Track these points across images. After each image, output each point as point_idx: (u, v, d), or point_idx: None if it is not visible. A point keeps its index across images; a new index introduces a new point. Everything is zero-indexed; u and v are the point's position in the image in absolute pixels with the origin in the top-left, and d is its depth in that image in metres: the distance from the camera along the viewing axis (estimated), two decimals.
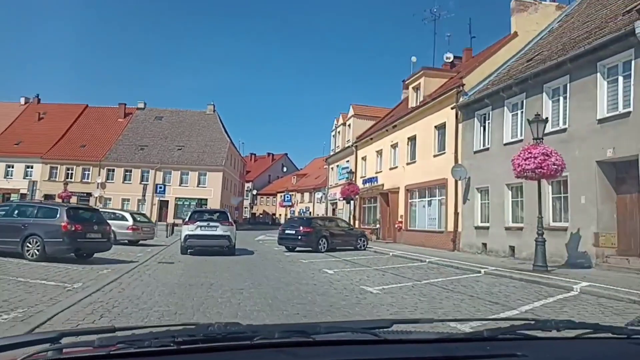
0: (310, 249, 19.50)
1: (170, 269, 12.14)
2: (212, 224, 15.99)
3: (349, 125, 37.23)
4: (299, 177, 78.24)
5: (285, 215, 75.26)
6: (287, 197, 38.95)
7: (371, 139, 31.90)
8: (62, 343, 1.13)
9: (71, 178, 50.55)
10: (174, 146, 53.47)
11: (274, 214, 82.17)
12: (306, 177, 76.82)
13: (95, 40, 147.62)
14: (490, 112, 18.48)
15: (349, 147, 37.20)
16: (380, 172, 30.04)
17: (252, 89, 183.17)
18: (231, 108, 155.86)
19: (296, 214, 73.27)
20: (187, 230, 15.90)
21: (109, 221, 14.41)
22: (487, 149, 18.56)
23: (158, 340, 1.11)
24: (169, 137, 54.66)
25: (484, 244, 18.33)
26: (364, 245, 21.79)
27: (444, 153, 21.56)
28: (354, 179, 33.64)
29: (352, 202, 33.84)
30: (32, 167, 51.26)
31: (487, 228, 18.18)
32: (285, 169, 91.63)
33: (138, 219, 21.61)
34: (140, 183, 51.07)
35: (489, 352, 1.25)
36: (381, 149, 30.03)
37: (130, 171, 51.65)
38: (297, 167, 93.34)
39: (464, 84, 20.51)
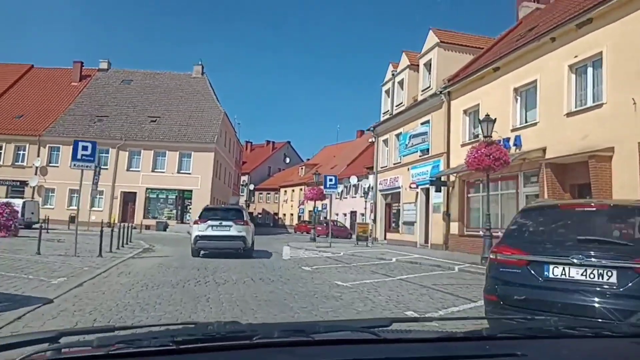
0: None
1: None
2: (224, 223, 14.30)
3: (428, 65, 22.42)
4: (308, 167, 63.32)
5: (292, 215, 60.02)
6: (331, 179, 23.91)
7: (495, 70, 17.16)
8: (61, 343, 1.12)
9: None
10: (145, 117, 38.37)
11: (277, 214, 67.20)
12: (317, 167, 61.90)
13: None
14: None
15: (422, 101, 22.49)
16: (532, 124, 15.33)
17: (248, 65, 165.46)
18: (221, 85, 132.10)
19: (306, 213, 58.58)
20: (197, 230, 14.47)
21: None
22: None
23: (157, 340, 1.10)
24: (139, 106, 39.55)
25: None
26: None
27: None
28: (446, 149, 19.10)
29: (444, 189, 19.32)
30: None
31: None
32: (288, 160, 76.66)
33: None
34: (95, 168, 35.90)
35: (489, 352, 1.24)
36: (533, 82, 15.33)
37: None
38: (302, 157, 78.47)
39: None
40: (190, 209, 35.92)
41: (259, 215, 70.01)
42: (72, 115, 38.28)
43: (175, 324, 1.34)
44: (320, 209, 53.08)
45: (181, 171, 36.18)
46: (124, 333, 1.16)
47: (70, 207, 35.54)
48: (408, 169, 23.92)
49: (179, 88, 41.71)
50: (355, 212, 47.38)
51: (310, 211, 56.08)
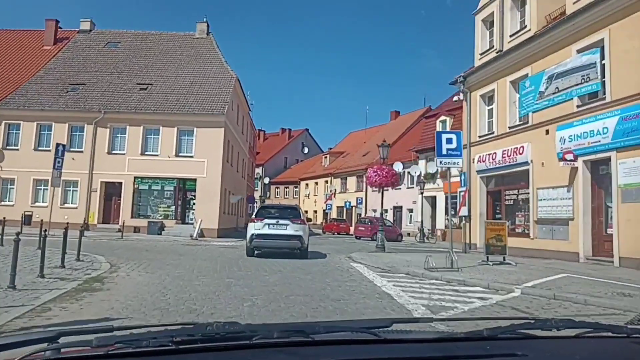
0: None
1: None
2: (281, 221, 13.99)
3: None
4: (333, 156, 53.98)
5: (316, 212, 49.38)
6: (450, 138, 14.15)
7: None
8: (60, 342, 1.11)
9: None
10: (132, 85, 29.16)
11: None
12: (344, 156, 52.61)
13: None
14: None
15: (580, 11, 13.05)
16: None
17: (258, 36, 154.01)
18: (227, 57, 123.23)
19: (334, 208, 48.54)
20: (253, 228, 14.11)
21: None
22: None
23: (156, 340, 1.09)
24: (126, 71, 30.36)
25: None
26: None
27: None
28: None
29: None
30: None
31: None
32: (307, 150, 67.36)
33: None
34: (69, 151, 26.90)
35: (489, 352, 1.23)
36: None
37: (50, 127, 27.31)
38: (321, 147, 69.17)
39: None
40: (194, 204, 26.72)
41: None
42: (38, 84, 29.15)
43: (174, 324, 1.22)
44: (353, 203, 43.60)
45: (181, 154, 26.94)
46: (122, 333, 1.13)
47: (37, 204, 26.53)
48: (547, 131, 14.50)
49: (178, 50, 32.49)
50: (401, 207, 37.93)
51: (339, 207, 46.73)
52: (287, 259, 13.54)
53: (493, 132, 17.63)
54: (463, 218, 18.92)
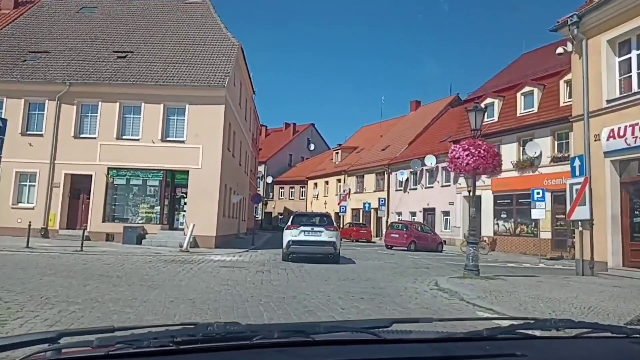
0: None
1: None
2: (316, 228, 14.87)
3: None
4: (346, 152, 47.97)
5: (336, 214, 41.94)
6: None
7: None
8: (61, 343, 1.11)
9: None
10: (108, 53, 23.01)
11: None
12: (358, 151, 46.65)
13: None
14: None
15: None
16: None
17: (261, 16, 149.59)
18: None
19: (348, 210, 41.92)
20: (289, 235, 14.84)
21: None
22: None
23: (157, 340, 1.09)
24: (101, 39, 24.24)
25: None
26: None
27: None
28: None
29: None
30: None
31: None
32: (313, 146, 61.34)
33: None
34: (25, 135, 20.76)
35: (489, 352, 1.23)
36: None
37: (1, 103, 21.15)
38: (328, 144, 63.23)
39: None
40: (185, 204, 20.61)
41: (280, 217, 54.58)
42: None
43: (175, 324, 1.21)
44: (374, 204, 37.36)
45: (168, 138, 20.81)
46: (124, 333, 1.13)
47: None
48: None
49: (167, 15, 26.44)
50: (433, 209, 31.84)
51: (354, 209, 40.56)
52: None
53: (636, 93, 11.59)
54: (579, 223, 12.85)
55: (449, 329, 1.41)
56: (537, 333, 1.37)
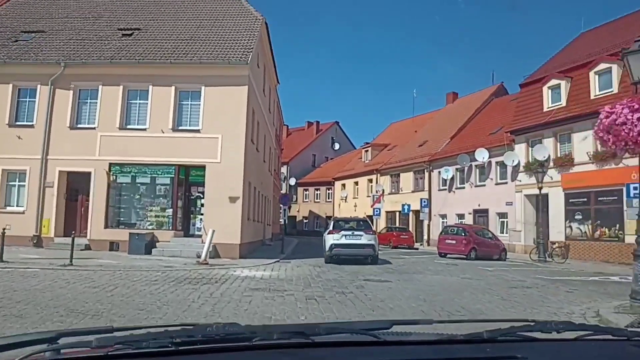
0: None
1: None
2: (356, 232, 15.85)
3: None
4: (376, 149, 44.16)
5: (369, 217, 36.84)
6: None
7: None
8: (60, 343, 1.10)
9: None
10: (112, 31, 19.71)
11: (331, 218, 47.94)
12: (390, 149, 42.79)
13: None
14: None
15: None
16: None
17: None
18: None
19: (382, 213, 37.76)
20: (332, 239, 15.66)
21: None
22: None
23: (156, 341, 1.08)
24: (105, 16, 20.99)
25: None
26: None
27: None
28: None
29: None
30: None
31: None
32: (337, 146, 57.66)
33: None
34: (13, 126, 17.56)
35: (489, 354, 1.23)
36: None
37: None
38: (353, 142, 59.53)
39: None
40: (202, 205, 17.10)
41: (305, 220, 50.88)
42: None
43: (174, 325, 1.20)
44: (414, 206, 33.34)
45: (181, 127, 17.35)
46: (122, 334, 1.12)
47: None
48: None
49: None
50: (486, 210, 27.76)
51: (389, 212, 36.63)
52: None
53: None
54: None
55: (449, 331, 1.32)
56: (538, 335, 1.34)
